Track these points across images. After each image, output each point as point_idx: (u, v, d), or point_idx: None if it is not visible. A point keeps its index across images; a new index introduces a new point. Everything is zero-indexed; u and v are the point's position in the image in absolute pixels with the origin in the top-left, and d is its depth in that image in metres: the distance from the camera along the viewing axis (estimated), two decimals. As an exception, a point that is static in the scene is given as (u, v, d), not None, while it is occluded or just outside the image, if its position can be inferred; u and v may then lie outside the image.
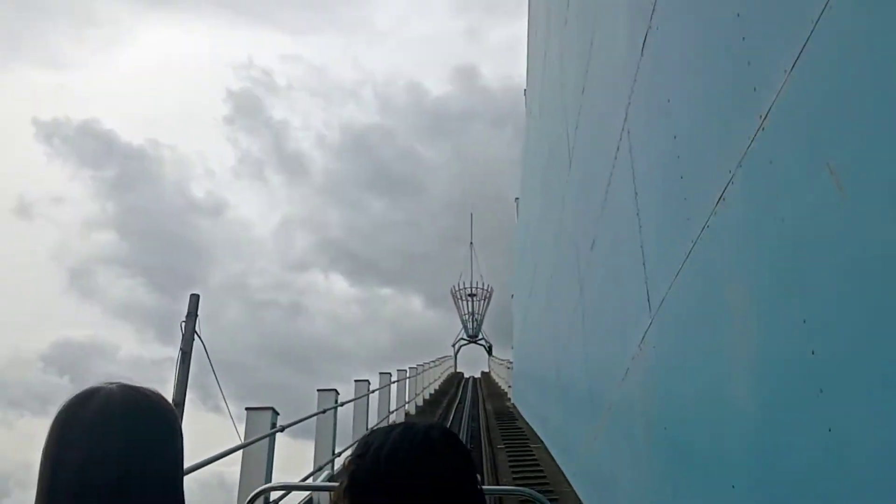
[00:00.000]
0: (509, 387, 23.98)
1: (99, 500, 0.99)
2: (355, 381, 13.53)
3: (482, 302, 56.02)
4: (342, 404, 10.41)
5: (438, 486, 0.99)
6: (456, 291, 56.14)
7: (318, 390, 11.11)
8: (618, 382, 4.34)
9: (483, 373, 41.15)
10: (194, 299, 8.45)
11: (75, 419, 1.04)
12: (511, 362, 24.71)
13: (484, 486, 1.16)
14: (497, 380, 32.58)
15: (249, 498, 2.33)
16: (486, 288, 56.27)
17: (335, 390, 11.15)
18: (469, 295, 55.74)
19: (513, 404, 20.83)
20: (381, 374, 16.17)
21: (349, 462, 1.04)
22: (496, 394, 26.89)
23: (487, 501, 1.17)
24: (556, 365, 9.68)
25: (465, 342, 55.59)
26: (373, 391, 13.62)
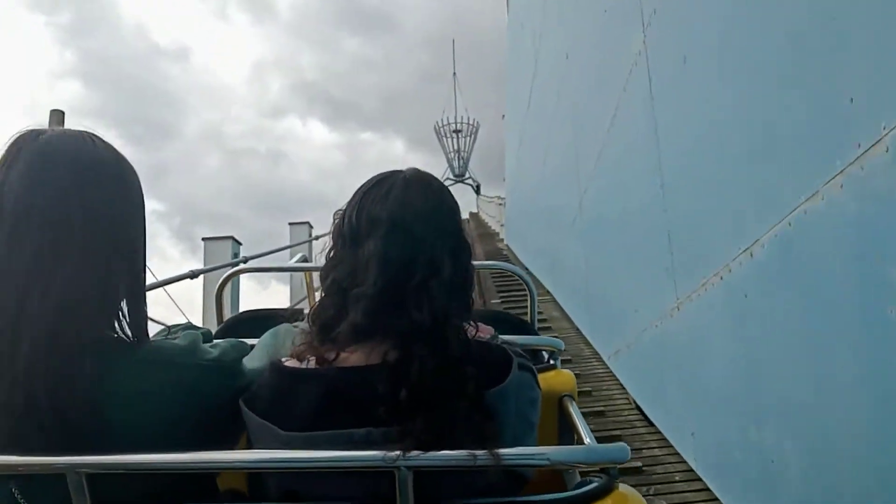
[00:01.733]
0: (501, 226, 21.57)
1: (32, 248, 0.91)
2: (289, 223, 11.73)
3: (468, 138, 52.61)
4: (318, 237, 9.62)
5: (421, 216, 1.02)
6: (440, 128, 52.49)
7: (290, 223, 10.67)
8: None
9: (471, 213, 38.75)
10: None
11: (22, 148, 0.95)
12: (503, 198, 22.15)
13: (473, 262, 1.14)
14: (487, 219, 30.21)
15: (221, 281, 2.08)
16: (471, 123, 52.62)
17: (308, 223, 10.63)
18: (454, 131, 52.15)
19: (506, 245, 18.52)
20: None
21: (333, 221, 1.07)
22: (486, 234, 24.49)
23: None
24: (582, 192, 6.97)
25: (452, 182, 52.76)
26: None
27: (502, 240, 20.45)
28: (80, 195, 0.95)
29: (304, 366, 1.01)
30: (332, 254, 1.08)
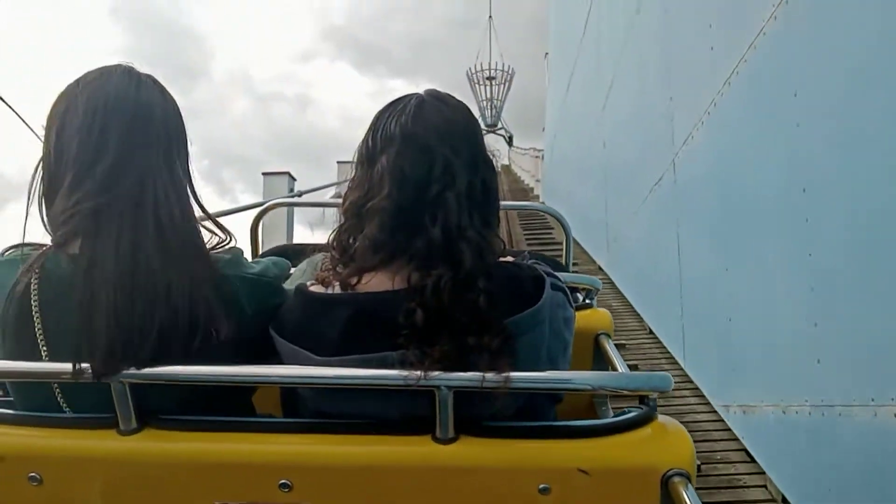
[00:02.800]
0: (537, 181, 19.49)
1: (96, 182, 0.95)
2: (338, 162, 11.43)
3: (502, 86, 49.64)
4: (300, 193, 9.10)
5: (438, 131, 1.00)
6: (472, 74, 49.63)
7: (338, 162, 10.81)
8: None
9: (503, 166, 36.54)
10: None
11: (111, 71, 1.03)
12: (539, 150, 20.03)
13: (503, 202, 1.18)
14: (520, 173, 28.06)
15: (258, 213, 2.16)
16: (506, 70, 49.70)
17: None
18: (487, 78, 49.31)
19: (542, 204, 16.63)
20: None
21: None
22: (519, 190, 22.44)
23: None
24: (678, 147, 4.93)
25: (484, 132, 50.09)
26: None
27: (538, 197, 18.46)
28: (168, 114, 1.04)
29: (328, 291, 0.99)
30: (352, 182, 1.05)
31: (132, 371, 0.89)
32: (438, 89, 1.09)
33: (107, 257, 0.92)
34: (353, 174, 1.06)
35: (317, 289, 1.01)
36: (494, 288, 0.93)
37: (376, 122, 1.04)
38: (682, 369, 4.78)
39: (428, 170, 0.97)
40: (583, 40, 9.68)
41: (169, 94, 1.06)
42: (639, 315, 6.37)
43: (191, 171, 1.07)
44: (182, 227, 0.99)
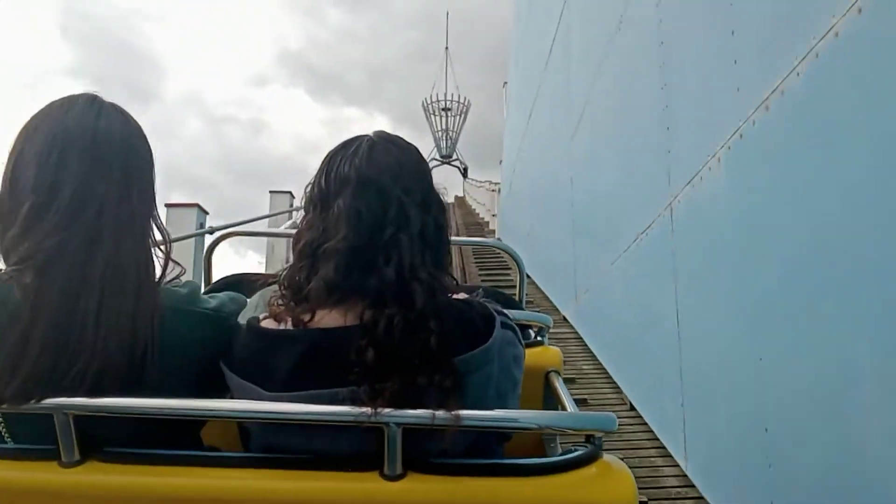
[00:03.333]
0: (493, 216, 18.56)
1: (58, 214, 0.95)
2: (270, 192, 11.42)
3: (458, 118, 49.16)
4: (298, 208, 8.37)
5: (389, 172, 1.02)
6: (428, 105, 49.05)
7: (271, 192, 10.50)
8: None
9: (457, 197, 35.63)
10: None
11: (76, 101, 1.03)
12: (495, 184, 19.14)
13: (453, 238, 1.21)
14: (475, 206, 27.20)
15: (212, 242, 2.10)
16: (462, 101, 49.24)
17: (290, 192, 10.30)
18: (443, 109, 48.74)
19: (498, 240, 15.71)
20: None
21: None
22: (474, 224, 21.50)
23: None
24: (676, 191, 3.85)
25: (438, 163, 49.52)
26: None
27: (493, 232, 17.53)
28: (131, 146, 1.03)
29: (280, 326, 0.99)
30: (304, 222, 1.06)
31: (76, 401, 0.88)
32: (388, 131, 1.12)
33: (53, 291, 0.93)
34: (304, 215, 1.07)
35: (268, 324, 1.01)
36: (445, 326, 0.94)
37: (328, 165, 1.06)
38: (683, 474, 3.74)
39: (383, 211, 0.99)
40: (547, 65, 8.81)
41: (134, 122, 1.07)
42: (616, 385, 5.34)
43: (154, 200, 1.06)
44: (135, 263, 0.99)
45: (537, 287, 9.14)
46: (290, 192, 10.90)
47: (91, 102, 1.02)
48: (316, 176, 1.06)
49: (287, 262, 1.12)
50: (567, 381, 1.44)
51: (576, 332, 6.87)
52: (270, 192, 10.77)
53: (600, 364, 5.78)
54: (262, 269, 8.20)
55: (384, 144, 1.06)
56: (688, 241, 3.76)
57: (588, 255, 6.38)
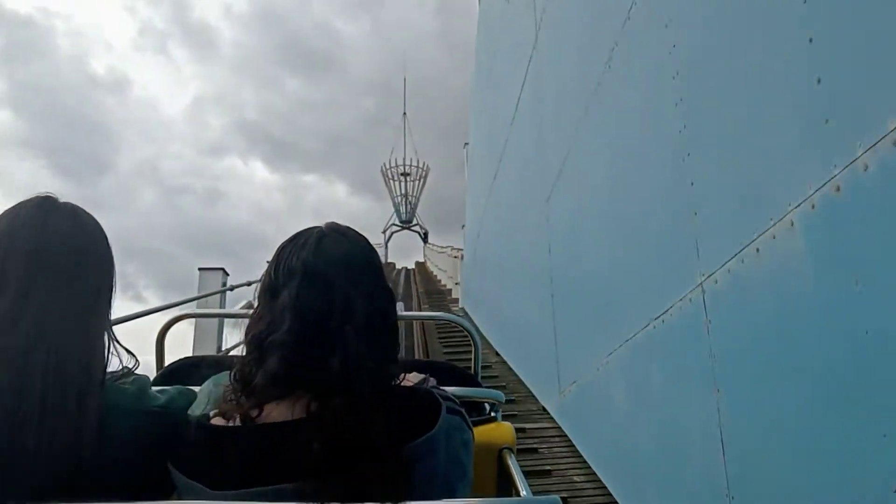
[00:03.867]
0: (456, 284, 17.42)
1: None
2: (200, 269, 10.41)
3: (417, 182, 48.51)
4: (231, 288, 8.83)
5: (343, 265, 1.03)
6: (387, 170, 48.35)
7: (199, 269, 10.41)
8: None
9: (417, 263, 34.51)
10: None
11: (23, 207, 1.03)
12: (458, 249, 18.14)
13: (407, 313, 1.85)
14: (436, 272, 26.11)
15: (164, 325, 2.04)
16: (421, 166, 48.72)
17: (222, 269, 10.36)
18: (402, 174, 48.09)
19: (462, 309, 14.52)
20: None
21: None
22: (435, 293, 20.37)
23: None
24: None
25: (398, 228, 48.59)
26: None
27: (456, 301, 16.44)
28: (84, 251, 1.04)
29: (229, 423, 0.98)
30: (255, 312, 1.07)
31: None
32: (338, 222, 1.12)
33: None
34: (256, 305, 1.07)
35: (217, 421, 1.00)
36: (390, 416, 0.94)
37: (279, 256, 1.06)
38: None
39: (328, 304, 0.99)
40: (514, 120, 7.90)
41: (87, 221, 1.07)
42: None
43: (106, 297, 1.07)
44: (78, 364, 0.98)
45: (510, 369, 7.99)
46: (222, 269, 10.69)
47: (39, 206, 1.03)
48: (268, 267, 1.07)
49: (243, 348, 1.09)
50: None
51: (560, 430, 5.71)
52: (199, 269, 10.87)
53: (599, 480, 4.60)
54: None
55: (333, 237, 1.07)
56: (737, 338, 2.68)
57: (574, 339, 5.28)
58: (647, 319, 3.53)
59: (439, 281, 24.20)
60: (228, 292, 8.41)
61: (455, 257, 16.80)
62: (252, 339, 1.01)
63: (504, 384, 7.41)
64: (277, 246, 1.09)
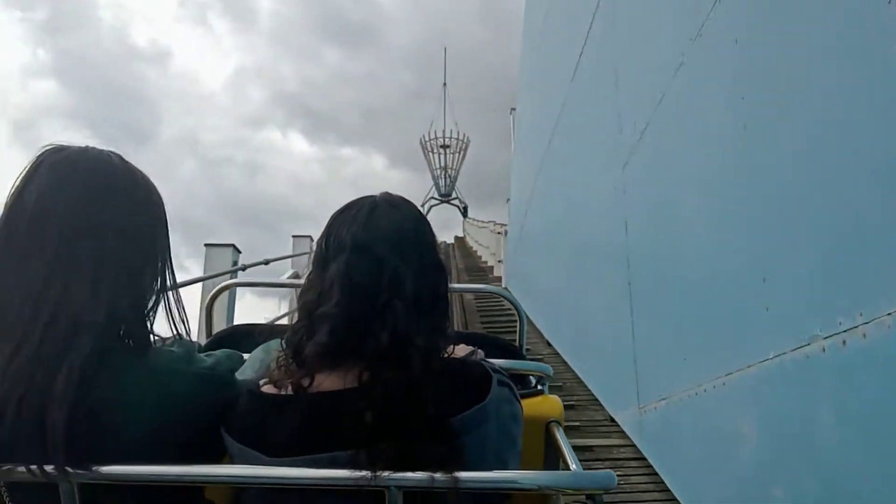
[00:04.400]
0: (499, 262, 16.25)
1: (53, 249, 0.94)
2: (293, 236, 11.48)
3: (457, 155, 47.13)
4: (244, 267, 7.72)
5: (394, 236, 1.03)
6: (426, 142, 47.06)
7: (293, 236, 11.12)
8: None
9: (457, 237, 33.41)
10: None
11: (45, 159, 0.99)
12: (501, 225, 16.98)
13: (452, 285, 1.18)
14: (476, 248, 25.00)
15: (212, 294, 2.09)
16: (461, 138, 47.29)
17: (310, 237, 10.50)
18: (441, 146, 46.74)
19: (506, 289, 13.50)
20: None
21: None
22: (475, 269, 19.29)
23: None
24: None
25: (437, 202, 47.46)
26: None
27: (498, 280, 15.34)
28: (93, 210, 0.98)
29: (281, 391, 1.00)
30: (307, 279, 1.08)
31: (79, 471, 0.88)
32: (392, 193, 1.12)
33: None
34: (309, 271, 1.08)
35: (268, 389, 1.02)
36: (441, 390, 0.94)
37: (330, 227, 1.06)
38: None
39: (377, 278, 0.99)
40: (575, 77, 6.71)
41: (106, 182, 1.01)
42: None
43: (164, 262, 1.06)
44: (131, 328, 1.00)
45: (567, 365, 6.89)
46: (310, 237, 10.84)
47: (54, 164, 1.00)
48: (320, 235, 1.08)
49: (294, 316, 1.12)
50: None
51: (637, 452, 4.62)
52: (293, 236, 11.16)
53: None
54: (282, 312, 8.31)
55: (385, 209, 1.07)
56: None
57: (663, 340, 4.15)
58: (805, 336, 2.38)
59: (480, 257, 23.07)
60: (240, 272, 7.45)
61: (498, 233, 15.62)
62: (303, 307, 1.03)
63: (559, 384, 6.34)
64: (328, 217, 1.09)
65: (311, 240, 10.49)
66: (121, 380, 0.94)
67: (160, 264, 1.06)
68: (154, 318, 1.04)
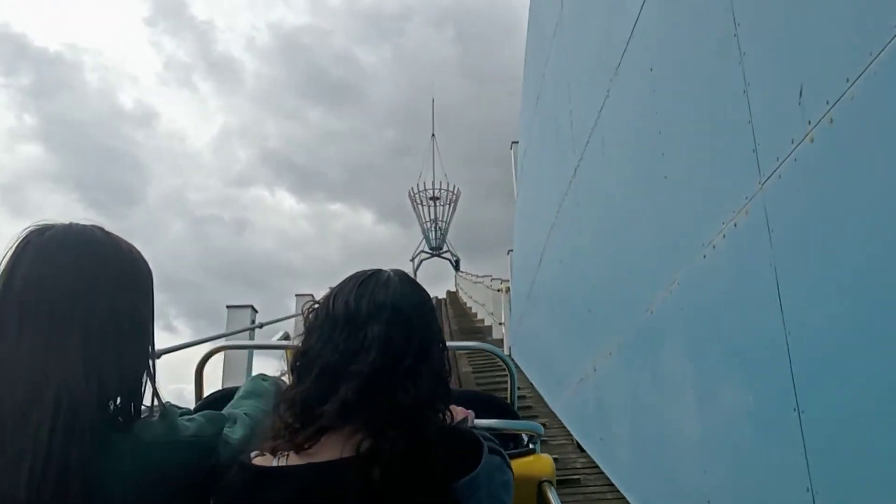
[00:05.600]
0: (500, 324, 14.18)
1: (45, 323, 0.97)
2: (297, 295, 12.06)
3: (447, 207, 45.51)
4: (261, 325, 8.74)
5: (396, 315, 1.06)
6: (415, 194, 45.41)
7: (297, 295, 12.01)
8: None
9: (449, 292, 31.38)
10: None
11: (31, 241, 1.02)
12: (503, 281, 15.03)
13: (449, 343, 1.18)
14: (471, 305, 23.00)
15: (201, 359, 2.09)
16: (451, 190, 45.71)
17: (311, 295, 9.52)
18: (431, 198, 45.06)
19: (513, 361, 11.40)
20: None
21: (305, 310, 1.14)
22: (471, 331, 17.23)
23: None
24: None
25: (428, 255, 45.59)
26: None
27: (500, 343, 13.37)
28: (80, 287, 0.99)
29: (275, 462, 1.01)
30: (314, 338, 1.08)
31: None
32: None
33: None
34: (321, 332, 1.07)
35: (261, 461, 1.02)
36: (440, 455, 0.97)
37: (360, 289, 1.09)
38: None
39: (407, 343, 1.04)
40: (619, 70, 4.88)
41: (94, 252, 1.04)
42: None
43: (122, 331, 1.03)
44: (121, 403, 1.02)
45: (613, 488, 4.82)
46: (251, 307, 10.29)
47: (48, 238, 1.02)
48: (338, 297, 1.08)
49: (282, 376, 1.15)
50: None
51: None
52: (297, 295, 11.31)
53: None
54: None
55: (409, 281, 1.14)
56: None
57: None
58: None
59: (475, 315, 21.08)
60: (257, 329, 8.33)
61: (497, 290, 13.56)
62: (323, 367, 1.02)
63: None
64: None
65: (252, 309, 10.23)
66: (111, 454, 0.96)
67: (147, 336, 1.07)
68: (144, 390, 1.04)
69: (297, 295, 11.86)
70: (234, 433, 1.14)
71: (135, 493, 0.95)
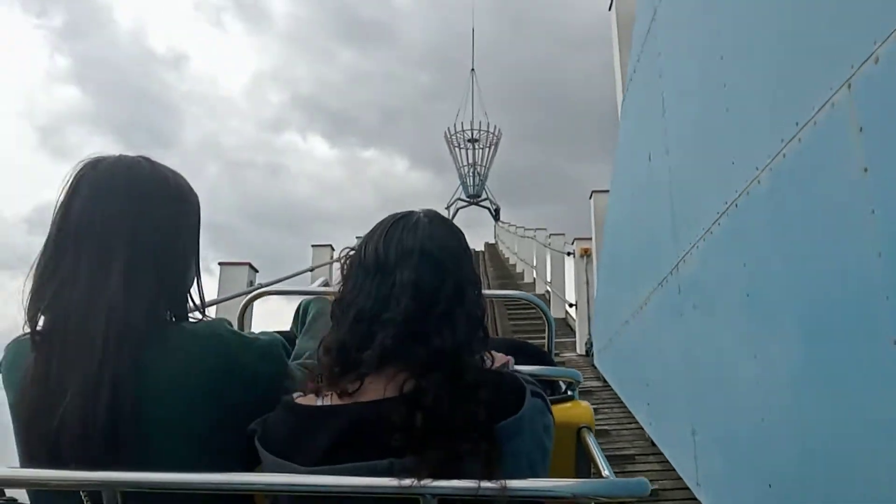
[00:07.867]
0: (569, 302, 10.55)
1: (96, 251, 1.04)
2: (312, 245, 11.48)
3: (487, 150, 41.46)
4: (260, 286, 6.69)
5: (431, 255, 1.05)
6: (451, 136, 41.41)
7: (313, 246, 11.30)
8: None
9: (487, 244, 27.82)
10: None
11: (85, 175, 1.09)
12: (556, 235, 11.48)
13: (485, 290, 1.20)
14: (514, 261, 19.56)
15: (242, 305, 2.06)
16: (492, 131, 41.51)
17: (330, 245, 10.82)
18: (469, 140, 41.03)
19: (589, 365, 7.73)
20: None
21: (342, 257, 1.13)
22: (516, 306, 13.88)
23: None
24: None
25: (465, 203, 41.92)
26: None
27: (563, 324, 10.00)
28: (128, 210, 1.08)
29: (319, 402, 1.02)
30: (349, 286, 1.08)
31: (124, 477, 0.91)
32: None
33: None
34: (346, 280, 1.09)
35: (305, 400, 1.04)
36: (484, 396, 0.96)
37: (388, 235, 1.08)
38: None
39: (440, 286, 1.02)
40: None
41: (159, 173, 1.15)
42: None
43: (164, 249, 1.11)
44: (175, 311, 1.12)
45: None
46: (330, 245, 11.13)
47: (120, 160, 1.13)
48: (369, 244, 1.09)
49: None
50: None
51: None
52: (312, 245, 11.23)
53: None
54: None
55: (441, 223, 1.12)
56: None
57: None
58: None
59: (520, 275, 17.74)
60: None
61: (569, 254, 9.88)
62: (358, 315, 1.02)
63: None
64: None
65: (332, 249, 10.37)
66: (165, 346, 1.03)
67: (190, 256, 1.14)
68: (188, 304, 1.13)
69: (313, 246, 11.41)
70: (307, 341, 1.26)
71: (192, 386, 1.01)
